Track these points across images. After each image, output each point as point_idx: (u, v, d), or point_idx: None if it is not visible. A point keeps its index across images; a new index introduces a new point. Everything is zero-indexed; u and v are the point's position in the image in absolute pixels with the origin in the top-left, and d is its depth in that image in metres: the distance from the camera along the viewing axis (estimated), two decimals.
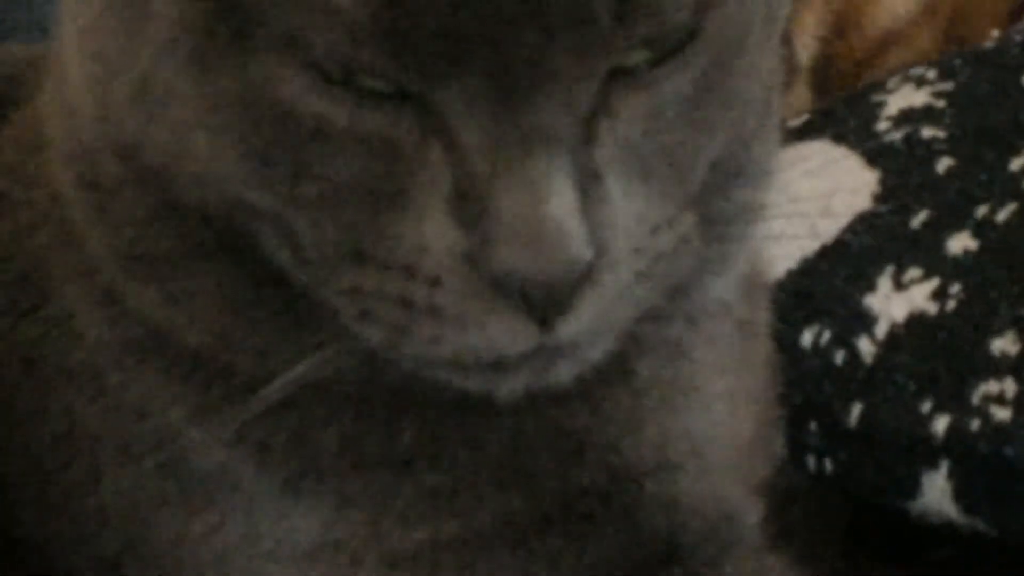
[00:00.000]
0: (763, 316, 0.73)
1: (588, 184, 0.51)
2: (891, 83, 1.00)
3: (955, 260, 0.80)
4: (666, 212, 0.55)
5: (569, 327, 0.52)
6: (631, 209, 0.53)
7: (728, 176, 0.59)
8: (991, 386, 0.72)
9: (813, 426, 0.78)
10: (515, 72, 0.49)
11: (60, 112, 0.64)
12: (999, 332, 0.74)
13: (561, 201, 0.50)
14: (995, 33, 1.19)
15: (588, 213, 0.51)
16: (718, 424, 0.67)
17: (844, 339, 0.80)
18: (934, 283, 0.78)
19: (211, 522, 0.63)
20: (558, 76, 0.49)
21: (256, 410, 0.58)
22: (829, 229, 0.84)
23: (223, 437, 0.61)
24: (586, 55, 0.49)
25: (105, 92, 0.58)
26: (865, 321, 0.79)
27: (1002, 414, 0.70)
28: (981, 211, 0.82)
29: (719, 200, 0.59)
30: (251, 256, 0.58)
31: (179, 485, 0.63)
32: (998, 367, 0.72)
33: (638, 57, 0.51)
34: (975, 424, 0.70)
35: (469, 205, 0.51)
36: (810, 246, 0.84)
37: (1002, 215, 0.81)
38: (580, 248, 0.50)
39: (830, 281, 0.82)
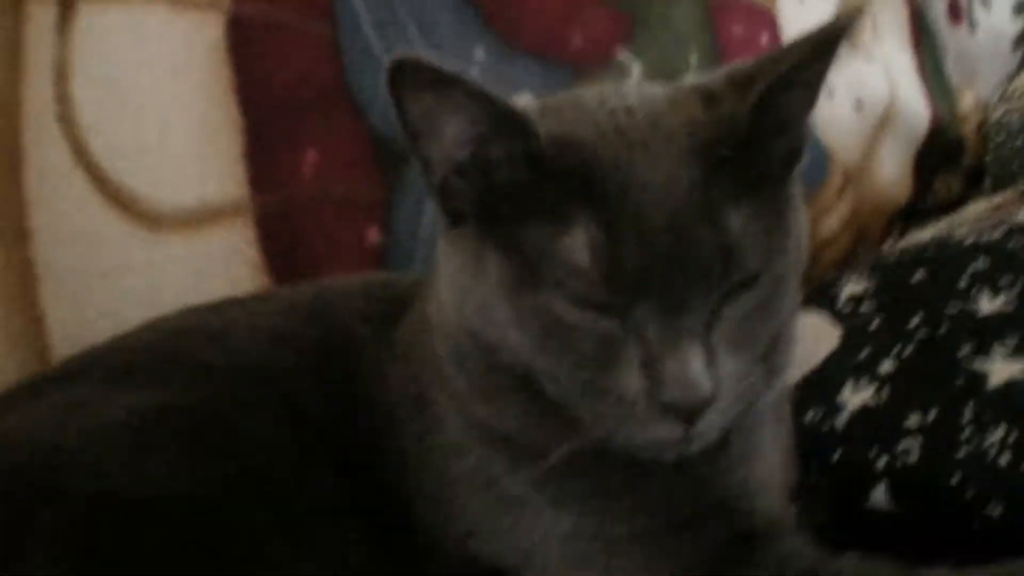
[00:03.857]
0: (786, 408, 0.96)
1: (709, 356, 0.72)
2: (842, 279, 1.28)
3: (885, 375, 1.06)
4: (748, 368, 0.76)
5: (699, 427, 0.73)
6: (731, 368, 0.74)
7: (777, 346, 0.80)
8: (905, 443, 0.98)
9: (813, 462, 1.02)
10: (673, 301, 0.71)
11: (438, 313, 0.84)
12: (910, 413, 1.00)
13: (696, 365, 0.71)
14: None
15: (710, 371, 0.72)
16: (771, 466, 0.89)
17: (828, 417, 1.05)
18: (874, 387, 1.05)
19: (515, 519, 0.84)
20: (694, 302, 0.71)
21: (544, 468, 0.78)
22: (817, 359, 1.12)
23: (524, 479, 0.82)
24: (708, 290, 0.72)
25: (460, 307, 0.79)
26: (839, 408, 1.05)
27: (913, 457, 0.96)
28: (896, 349, 1.08)
29: (772, 359, 0.80)
30: (535, 390, 0.78)
31: (500, 501, 0.84)
32: (909, 433, 0.98)
33: (733, 287, 0.73)
34: (899, 462, 0.97)
35: (650, 367, 0.72)
36: (806, 371, 1.11)
37: (907, 351, 1.07)
38: (705, 389, 0.71)
39: (818, 387, 1.08)
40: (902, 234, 1.96)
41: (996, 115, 2.18)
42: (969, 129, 2.23)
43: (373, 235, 1.24)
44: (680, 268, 0.71)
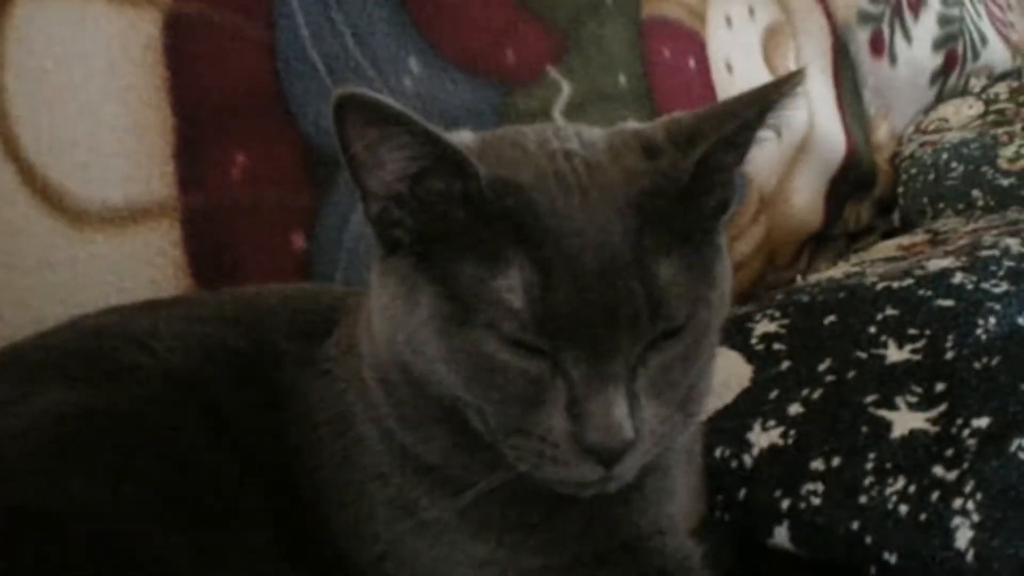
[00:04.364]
0: (698, 447, 0.98)
1: (632, 401, 0.74)
2: (756, 316, 1.29)
3: (792, 418, 1.07)
4: (668, 413, 0.78)
5: (619, 468, 0.75)
6: (652, 413, 0.76)
7: (695, 392, 0.82)
8: (809, 486, 0.99)
9: (719, 498, 1.03)
10: (600, 347, 0.72)
11: (367, 340, 0.85)
12: (815, 457, 1.01)
13: (619, 410, 0.73)
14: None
15: (632, 416, 0.73)
16: (681, 505, 0.91)
17: (736, 455, 1.06)
18: (781, 429, 1.06)
19: (431, 544, 0.85)
20: (621, 348, 0.73)
21: (467, 501, 0.80)
22: (728, 397, 1.13)
23: (444, 507, 0.83)
24: (635, 338, 0.73)
25: (391, 336, 0.80)
26: (746, 446, 1.06)
27: (816, 500, 0.98)
28: (804, 392, 1.10)
29: (690, 405, 0.82)
30: (461, 422, 0.80)
31: (417, 527, 0.85)
32: (813, 476, 0.99)
33: (658, 336, 0.74)
34: (802, 504, 0.99)
35: (575, 409, 0.73)
36: (718, 407, 1.11)
37: (816, 395, 1.09)
38: (627, 434, 0.72)
39: (728, 425, 1.08)
40: (811, 260, 2.02)
41: (910, 148, 2.24)
42: (882, 159, 2.27)
43: (298, 241, 1.23)
44: (609, 315, 0.72)
